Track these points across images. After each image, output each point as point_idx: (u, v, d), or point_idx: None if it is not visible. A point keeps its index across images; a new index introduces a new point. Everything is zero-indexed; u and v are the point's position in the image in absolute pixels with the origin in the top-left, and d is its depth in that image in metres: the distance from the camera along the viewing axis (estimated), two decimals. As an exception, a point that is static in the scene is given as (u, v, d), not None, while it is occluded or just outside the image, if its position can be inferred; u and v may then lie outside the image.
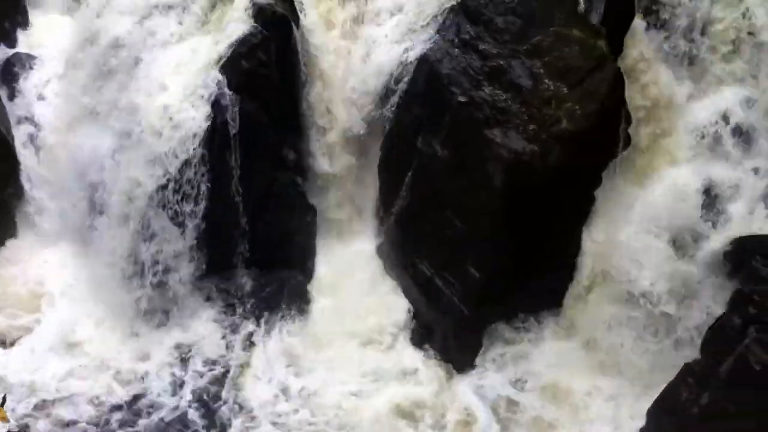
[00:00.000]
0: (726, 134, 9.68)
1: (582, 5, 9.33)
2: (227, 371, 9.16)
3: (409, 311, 9.61)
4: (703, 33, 10.01)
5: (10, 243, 9.99)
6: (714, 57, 10.08)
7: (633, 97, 9.52)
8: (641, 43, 9.80)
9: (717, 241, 9.28)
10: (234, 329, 9.52)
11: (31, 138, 10.06)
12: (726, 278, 9.14)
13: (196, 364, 9.22)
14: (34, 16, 10.82)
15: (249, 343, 9.43)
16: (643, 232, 9.37)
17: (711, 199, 9.54)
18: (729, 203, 9.59)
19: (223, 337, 9.45)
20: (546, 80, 8.77)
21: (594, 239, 9.43)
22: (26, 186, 10.03)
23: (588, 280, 9.34)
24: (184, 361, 9.23)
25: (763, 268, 8.77)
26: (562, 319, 9.40)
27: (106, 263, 9.41)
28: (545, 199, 8.84)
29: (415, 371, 9.26)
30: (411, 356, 9.39)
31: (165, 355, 9.27)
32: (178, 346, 9.36)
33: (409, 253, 9.56)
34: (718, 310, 8.73)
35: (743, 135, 9.68)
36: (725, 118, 9.74)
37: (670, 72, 9.79)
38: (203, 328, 9.50)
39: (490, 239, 8.96)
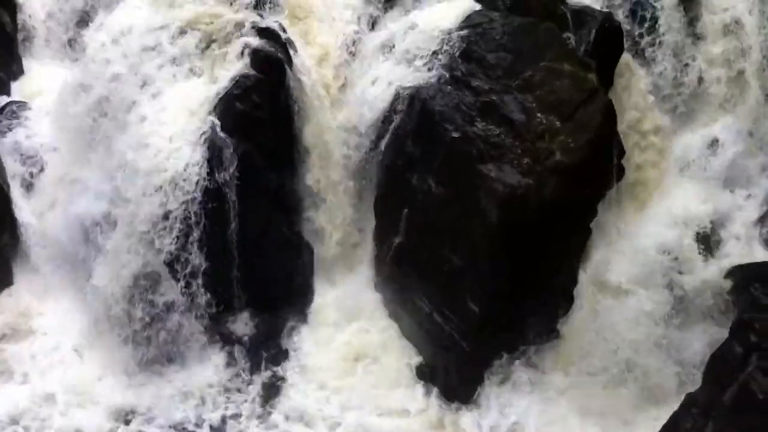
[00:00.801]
0: (717, 163, 9.75)
1: (571, 40, 9.47)
2: (228, 415, 9.06)
3: (408, 347, 9.55)
4: (691, 66, 10.17)
5: (6, 292, 9.92)
6: (703, 88, 10.20)
7: (624, 128, 9.62)
8: (631, 76, 9.94)
9: (714, 269, 9.31)
10: (235, 372, 9.43)
11: (27, 187, 10.06)
12: (724, 306, 9.14)
13: (198, 411, 9.11)
14: (29, 65, 10.93)
15: (248, 384, 9.34)
16: (639, 263, 9.41)
17: (705, 227, 9.59)
18: (723, 231, 9.63)
19: (226, 381, 9.35)
20: (538, 114, 8.84)
21: (590, 272, 9.44)
22: (22, 235, 9.98)
23: (585, 312, 9.31)
24: (185, 409, 9.12)
25: (762, 296, 8.77)
26: (562, 350, 9.35)
27: (103, 311, 9.33)
28: (541, 232, 8.85)
29: (416, 407, 9.18)
30: (411, 392, 9.32)
31: (165, 402, 9.16)
32: (178, 394, 9.24)
33: (407, 289, 9.54)
34: (718, 338, 8.71)
35: (734, 164, 9.76)
36: (716, 147, 9.83)
37: (660, 103, 9.92)
38: (204, 374, 9.40)
39: (487, 274, 8.95)
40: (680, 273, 9.34)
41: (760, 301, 8.60)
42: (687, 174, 10.02)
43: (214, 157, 9.02)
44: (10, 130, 10.13)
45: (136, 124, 9.22)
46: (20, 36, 11.05)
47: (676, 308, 9.23)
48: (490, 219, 8.69)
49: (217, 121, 9.01)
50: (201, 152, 8.98)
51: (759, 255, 9.38)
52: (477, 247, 8.89)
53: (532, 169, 8.64)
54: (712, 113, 10.18)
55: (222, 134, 9.06)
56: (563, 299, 9.32)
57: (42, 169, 10.05)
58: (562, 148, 8.67)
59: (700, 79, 10.20)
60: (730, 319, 8.85)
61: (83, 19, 10.93)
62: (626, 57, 9.91)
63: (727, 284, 9.11)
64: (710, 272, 9.27)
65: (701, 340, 9.07)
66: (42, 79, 10.75)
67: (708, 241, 9.51)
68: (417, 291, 9.43)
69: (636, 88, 9.91)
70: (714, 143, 10.01)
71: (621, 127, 9.41)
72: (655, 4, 10.10)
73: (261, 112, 9.29)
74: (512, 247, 8.79)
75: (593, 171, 8.99)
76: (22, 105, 10.38)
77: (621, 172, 9.49)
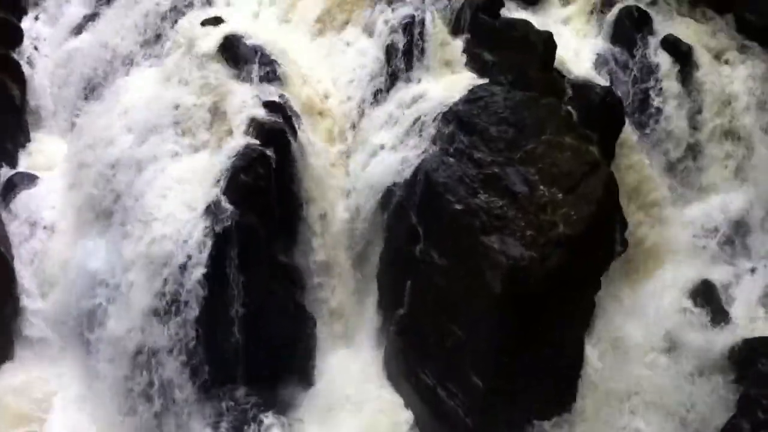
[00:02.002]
0: (721, 236, 9.78)
1: (572, 114, 9.59)
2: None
3: (412, 422, 9.40)
4: (691, 139, 10.29)
5: (7, 365, 9.80)
6: (704, 161, 10.30)
7: (626, 200, 9.66)
8: (632, 149, 10.04)
9: (719, 343, 9.24)
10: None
11: (31, 257, 10.05)
12: (731, 382, 9.04)
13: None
14: (36, 137, 11.03)
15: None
16: (644, 335, 9.35)
17: (710, 300, 9.56)
18: (728, 304, 9.60)
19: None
20: (541, 186, 8.88)
21: (596, 344, 9.36)
22: (25, 305, 9.93)
23: (591, 386, 9.20)
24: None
25: (769, 370, 8.71)
26: (570, 425, 9.20)
27: (106, 384, 9.25)
28: (545, 304, 8.79)
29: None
30: (415, 469, 9.16)
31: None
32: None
33: (410, 362, 9.44)
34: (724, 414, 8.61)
35: (738, 237, 9.78)
36: (719, 220, 9.86)
37: (662, 175, 10.00)
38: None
39: (491, 347, 8.86)
40: (686, 346, 9.26)
41: (767, 376, 8.51)
42: (690, 246, 10.04)
43: (217, 230, 9.00)
44: (16, 201, 10.16)
45: (140, 197, 9.26)
46: (28, 107, 11.17)
47: (683, 379, 9.14)
48: (494, 291, 8.65)
49: (221, 193, 9.04)
50: (204, 224, 8.98)
51: (766, 329, 9.32)
52: (480, 319, 8.83)
53: (536, 242, 8.63)
54: (713, 186, 10.26)
55: (226, 206, 9.07)
56: (570, 372, 9.21)
57: (46, 241, 10.05)
58: (565, 221, 8.68)
59: (701, 153, 10.32)
60: (736, 392, 8.77)
61: (91, 92, 11.06)
62: (627, 130, 10.03)
63: (733, 358, 9.03)
64: (716, 346, 9.19)
65: (709, 410, 8.93)
66: (49, 151, 10.85)
67: (713, 315, 9.46)
68: (420, 364, 9.32)
69: (637, 160, 10.01)
70: (716, 215, 10.06)
71: (623, 200, 9.45)
72: (656, 78, 10.29)
73: (265, 183, 9.31)
74: (516, 319, 8.73)
75: (596, 243, 8.99)
76: (28, 176, 10.43)
77: (624, 244, 9.49)
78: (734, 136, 10.37)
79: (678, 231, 10.16)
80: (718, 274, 9.84)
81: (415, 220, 9.36)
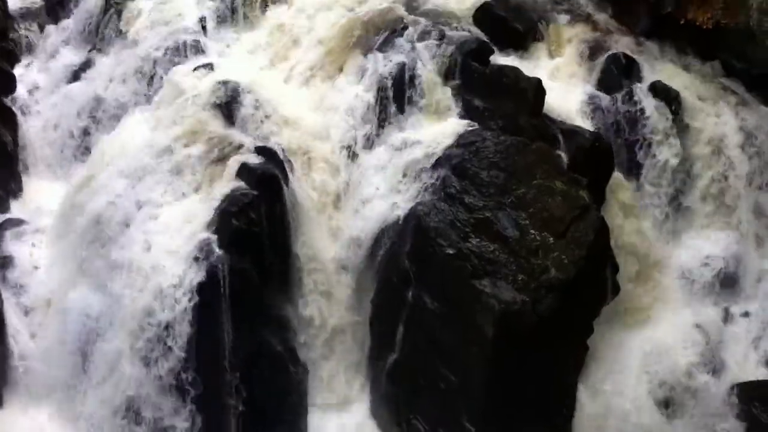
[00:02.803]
0: (712, 279, 9.80)
1: (563, 158, 9.66)
2: None
3: (404, 470, 9.32)
4: (683, 183, 10.37)
5: (-1, 410, 9.73)
6: (694, 205, 10.36)
7: (617, 244, 9.69)
8: (622, 193, 10.10)
9: (712, 387, 9.21)
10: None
11: (20, 303, 9.97)
12: (725, 426, 9.00)
13: None
14: (28, 182, 11.04)
15: None
16: (638, 381, 9.31)
17: (703, 344, 9.55)
18: (721, 349, 9.59)
19: None
20: (532, 230, 8.91)
21: (589, 389, 9.32)
22: (13, 351, 9.82)
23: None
24: None
25: (763, 414, 8.66)
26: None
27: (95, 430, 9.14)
28: (538, 349, 8.77)
29: None
30: None
31: None
32: None
33: (403, 408, 9.35)
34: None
35: (730, 280, 9.80)
36: (711, 263, 9.90)
37: (653, 219, 10.05)
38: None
39: (483, 392, 8.82)
40: (679, 391, 9.23)
41: (760, 419, 8.48)
42: (682, 289, 10.05)
43: (208, 274, 8.98)
44: (6, 246, 10.13)
45: (132, 242, 9.23)
46: (20, 154, 11.19)
47: (677, 424, 9.08)
48: (486, 335, 8.63)
49: (213, 238, 9.03)
50: (195, 269, 8.95)
51: (759, 373, 9.30)
52: (472, 363, 8.80)
53: (527, 285, 8.64)
54: (704, 229, 10.32)
55: (217, 251, 9.05)
56: (563, 417, 9.14)
57: (36, 287, 9.99)
58: (556, 265, 8.70)
59: (691, 197, 10.39)
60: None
61: (83, 139, 11.11)
62: (617, 175, 10.10)
63: (727, 402, 8.99)
64: (709, 390, 9.16)
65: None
66: (41, 197, 10.85)
67: (707, 359, 9.44)
68: (412, 410, 9.25)
69: (627, 204, 10.06)
70: (706, 256, 10.10)
71: (614, 243, 9.48)
72: (644, 123, 10.40)
73: (257, 228, 9.31)
74: (508, 363, 8.70)
75: (588, 287, 9.00)
76: (20, 222, 10.42)
77: (615, 287, 9.50)
78: (724, 180, 10.44)
79: (669, 274, 10.17)
80: (710, 318, 9.84)
81: (407, 264, 9.35)
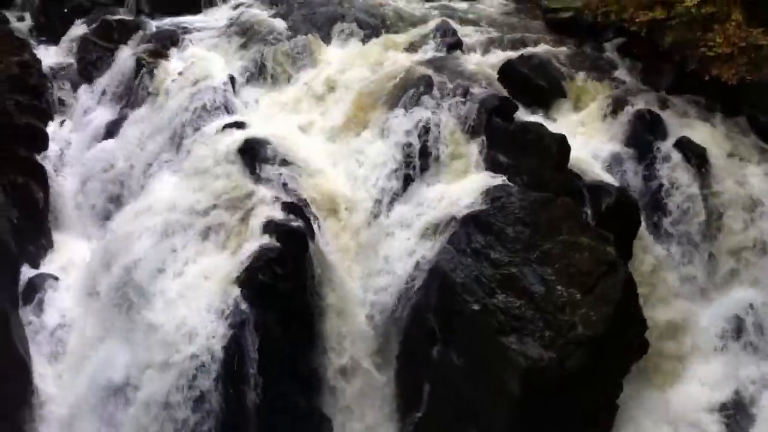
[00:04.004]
0: (744, 336, 9.66)
1: (588, 214, 9.65)
2: None
3: None
4: (712, 240, 10.29)
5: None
6: (723, 261, 10.27)
7: (646, 301, 9.60)
8: (650, 249, 10.04)
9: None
10: None
11: (49, 359, 10.01)
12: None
13: None
14: (58, 239, 11.14)
15: None
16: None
17: (735, 403, 9.38)
18: (754, 407, 9.41)
19: None
20: (559, 287, 8.87)
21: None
22: (41, 408, 9.83)
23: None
24: None
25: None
26: None
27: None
28: (565, 406, 8.67)
29: None
30: None
31: None
32: None
33: (428, 467, 9.25)
34: None
35: (762, 336, 9.66)
36: (739, 320, 9.77)
37: (681, 276, 9.95)
38: None
39: (511, 450, 8.70)
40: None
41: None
42: (713, 346, 9.91)
43: (235, 330, 8.99)
44: (36, 303, 10.21)
45: (159, 299, 9.29)
46: (51, 211, 11.33)
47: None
48: (513, 392, 8.55)
49: (239, 294, 9.07)
50: (222, 325, 8.96)
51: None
52: (499, 420, 8.71)
53: (555, 342, 8.56)
54: (734, 284, 10.21)
55: (244, 306, 9.08)
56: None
57: (65, 344, 10.03)
58: (584, 321, 8.63)
59: (719, 253, 10.30)
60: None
61: (113, 197, 11.26)
62: (644, 231, 10.06)
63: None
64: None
65: None
66: (70, 253, 10.91)
67: (740, 417, 9.26)
68: (439, 468, 9.14)
69: (655, 261, 9.99)
70: (738, 314, 9.97)
71: (642, 300, 9.39)
72: (671, 179, 10.38)
73: (283, 283, 9.33)
74: (535, 421, 8.59)
75: (616, 344, 8.90)
76: (50, 278, 10.51)
77: (644, 345, 9.38)
78: (753, 236, 10.35)
79: (700, 331, 10.05)
80: (743, 376, 9.67)
81: (433, 320, 9.32)
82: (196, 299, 9.13)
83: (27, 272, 10.46)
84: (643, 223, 10.07)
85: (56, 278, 10.54)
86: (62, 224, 11.33)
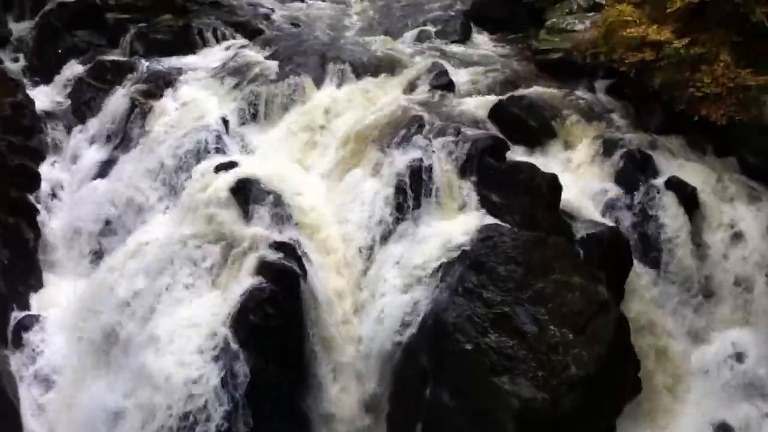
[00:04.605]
0: (735, 374, 9.63)
1: (580, 253, 9.65)
2: None
3: None
4: (703, 279, 10.30)
5: None
6: (715, 300, 10.27)
7: (639, 341, 9.58)
8: (641, 289, 10.04)
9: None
10: None
11: (38, 401, 9.91)
12: None
13: None
14: (48, 278, 11.11)
15: None
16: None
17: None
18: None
19: None
20: (551, 326, 8.85)
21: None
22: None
23: None
24: None
25: None
26: None
27: None
28: (559, 448, 8.60)
29: None
30: None
31: None
32: None
33: None
34: None
35: (754, 374, 9.63)
36: (733, 357, 9.75)
37: (673, 314, 9.94)
38: None
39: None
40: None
41: None
42: (706, 386, 9.87)
43: (226, 371, 8.96)
44: (25, 344, 10.14)
45: (149, 339, 9.24)
46: (42, 251, 11.30)
47: None
48: (506, 433, 8.48)
49: (230, 335, 9.03)
50: (213, 366, 8.93)
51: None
52: (493, 462, 8.61)
53: (548, 383, 8.52)
54: (726, 323, 10.20)
55: (235, 347, 9.05)
56: None
57: (54, 384, 9.95)
58: (576, 361, 8.60)
59: (711, 292, 10.31)
60: None
61: (104, 237, 11.23)
62: (636, 270, 10.07)
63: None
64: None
65: None
66: (60, 293, 10.86)
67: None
68: None
69: (647, 300, 9.99)
70: (731, 353, 9.95)
71: (634, 339, 9.37)
72: (662, 219, 10.41)
73: (275, 324, 9.30)
74: (530, 463, 8.51)
75: (609, 384, 8.87)
76: (39, 318, 10.45)
77: (638, 384, 9.35)
78: (744, 276, 10.36)
79: (693, 371, 10.01)
80: (737, 416, 9.62)
81: (426, 360, 9.27)
82: (187, 341, 9.08)
83: (16, 313, 10.42)
84: (635, 263, 10.07)
85: (45, 319, 10.48)
86: (52, 264, 11.30)
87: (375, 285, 9.95)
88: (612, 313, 9.02)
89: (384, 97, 12.28)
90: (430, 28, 15.16)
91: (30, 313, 10.58)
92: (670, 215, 10.49)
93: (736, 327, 10.10)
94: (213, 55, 13.79)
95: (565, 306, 8.97)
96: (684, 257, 10.32)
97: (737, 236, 10.46)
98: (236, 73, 12.92)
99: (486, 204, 10.30)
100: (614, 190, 10.76)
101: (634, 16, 11.08)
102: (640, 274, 10.25)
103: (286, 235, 9.88)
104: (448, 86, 12.58)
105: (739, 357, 9.84)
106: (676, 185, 10.68)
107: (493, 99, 12.11)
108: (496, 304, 9.05)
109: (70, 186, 11.86)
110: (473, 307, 9.07)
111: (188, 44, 14.09)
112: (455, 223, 10.16)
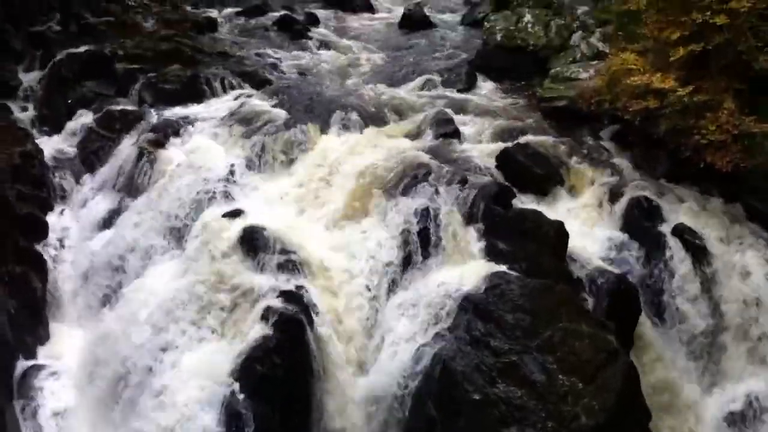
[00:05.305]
0: (750, 424, 9.52)
1: (588, 301, 9.61)
2: None
3: None
4: (712, 327, 10.23)
5: None
6: (724, 348, 10.19)
7: (648, 391, 9.48)
8: (650, 337, 9.97)
9: None
10: None
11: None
12: None
13: None
14: (55, 329, 11.06)
15: None
16: None
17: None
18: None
19: None
20: (560, 375, 8.77)
21: None
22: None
23: None
24: None
25: None
26: None
27: None
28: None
29: None
30: None
31: None
32: None
33: None
34: None
35: (765, 423, 9.52)
36: (749, 405, 9.65)
37: (683, 364, 9.86)
38: None
39: None
40: None
41: None
42: (721, 434, 9.78)
43: (231, 422, 8.89)
44: (30, 394, 10.08)
45: (156, 389, 9.21)
46: (49, 300, 11.29)
47: None
48: (516, 485, 8.37)
49: (236, 385, 8.98)
50: (219, 417, 8.88)
51: None
52: None
53: (557, 433, 8.43)
54: (737, 371, 10.11)
55: (241, 397, 9.01)
56: None
57: (62, 432, 9.91)
58: (586, 411, 8.50)
59: (720, 339, 10.24)
60: None
61: (111, 286, 11.22)
62: (644, 318, 10.01)
63: None
64: None
65: None
66: (67, 343, 10.81)
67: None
68: None
69: (656, 348, 9.92)
70: (746, 402, 9.85)
71: (644, 388, 9.28)
72: (670, 266, 10.38)
73: (281, 373, 9.26)
74: None
75: (619, 433, 8.76)
76: (45, 369, 10.41)
77: (648, 435, 9.23)
78: (754, 323, 10.30)
79: (704, 420, 9.89)
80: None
81: (433, 410, 9.17)
82: (193, 391, 9.03)
83: (22, 363, 10.38)
84: (643, 310, 10.01)
85: (52, 369, 10.43)
86: (59, 314, 11.28)
87: (382, 333, 9.92)
88: (621, 361, 8.94)
89: (390, 145, 12.36)
90: (436, 77, 15.34)
91: (36, 362, 10.54)
92: (677, 262, 10.47)
93: (747, 375, 10.00)
94: (220, 104, 13.91)
95: (573, 354, 8.90)
96: (692, 305, 10.27)
97: (745, 283, 10.41)
98: (243, 121, 13.02)
99: (492, 251, 10.30)
100: (621, 238, 10.77)
101: (638, 64, 11.16)
102: (648, 321, 10.18)
103: (292, 284, 9.88)
104: (454, 134, 12.69)
105: (749, 408, 9.73)
106: (682, 232, 10.67)
107: (498, 146, 12.20)
108: (504, 353, 8.99)
109: (78, 235, 11.88)
110: (481, 356, 9.00)
111: (196, 94, 14.23)
112: (462, 271, 10.13)
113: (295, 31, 18.60)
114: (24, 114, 14.42)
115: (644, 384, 9.22)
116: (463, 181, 10.93)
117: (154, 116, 13.32)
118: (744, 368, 10.08)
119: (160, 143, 12.60)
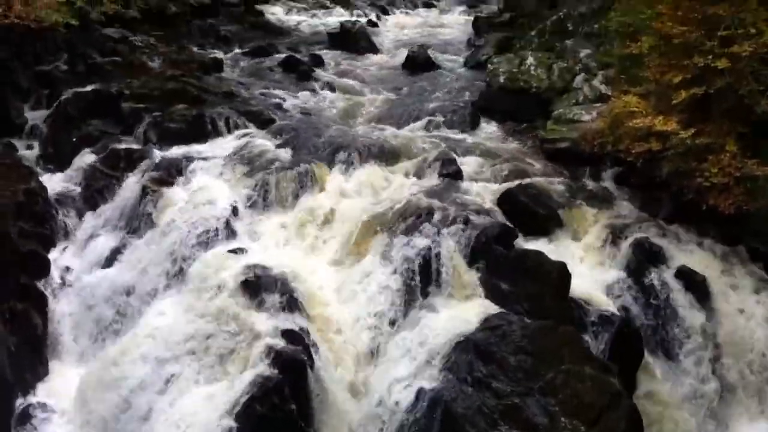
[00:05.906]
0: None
1: (590, 343, 9.55)
2: None
3: None
4: (718, 369, 10.16)
5: None
6: (729, 393, 10.11)
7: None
8: (654, 380, 9.90)
9: None
10: None
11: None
12: None
13: None
14: (54, 366, 11.00)
15: None
16: None
17: None
18: None
19: None
20: (562, 418, 8.69)
21: None
22: None
23: None
24: None
25: None
26: None
27: None
28: None
29: None
30: None
31: None
32: None
33: None
34: None
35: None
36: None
37: (689, 406, 9.77)
38: None
39: None
40: None
41: None
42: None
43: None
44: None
45: (156, 429, 9.11)
46: (49, 337, 11.24)
47: None
48: None
49: (236, 426, 8.89)
50: (219, 458, 8.79)
51: None
52: None
53: (562, 477, 8.33)
54: (743, 414, 10.01)
55: (241, 439, 8.93)
56: None
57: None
58: (589, 455, 8.42)
59: (725, 385, 10.15)
60: None
61: (113, 324, 11.17)
62: (647, 360, 9.94)
63: None
64: None
65: None
66: (66, 381, 10.72)
67: None
68: None
69: (659, 392, 9.83)
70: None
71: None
72: (672, 308, 10.34)
73: (281, 414, 9.18)
74: None
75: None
76: (44, 407, 10.34)
77: (655, 481, 9.14)
78: (757, 367, 10.23)
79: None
80: None
81: (435, 453, 9.09)
82: (192, 431, 8.95)
83: (21, 400, 10.32)
84: (645, 352, 9.95)
85: (50, 407, 10.36)
86: (59, 351, 11.21)
87: (383, 373, 9.85)
88: (624, 404, 8.86)
89: (393, 185, 12.41)
90: (439, 118, 15.42)
91: (36, 400, 10.47)
92: (680, 305, 10.44)
93: (753, 419, 9.91)
94: (225, 144, 13.97)
95: (576, 397, 8.83)
96: (695, 347, 10.20)
97: (748, 326, 10.36)
98: (247, 160, 13.08)
99: (494, 292, 10.29)
100: (623, 279, 10.74)
101: (640, 107, 11.21)
102: (651, 364, 10.11)
103: (294, 323, 9.84)
104: (457, 174, 12.73)
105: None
106: (685, 275, 10.65)
107: (501, 187, 12.24)
108: (506, 395, 8.92)
109: (80, 272, 11.85)
110: (483, 398, 8.94)
111: (201, 133, 14.30)
112: (464, 311, 10.12)
113: (300, 72, 18.76)
114: (29, 152, 14.47)
115: (647, 426, 9.12)
116: (466, 222, 10.94)
117: (158, 155, 13.36)
118: (750, 411, 9.98)
119: (163, 182, 12.62)
